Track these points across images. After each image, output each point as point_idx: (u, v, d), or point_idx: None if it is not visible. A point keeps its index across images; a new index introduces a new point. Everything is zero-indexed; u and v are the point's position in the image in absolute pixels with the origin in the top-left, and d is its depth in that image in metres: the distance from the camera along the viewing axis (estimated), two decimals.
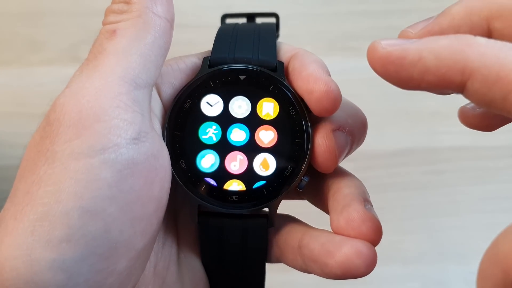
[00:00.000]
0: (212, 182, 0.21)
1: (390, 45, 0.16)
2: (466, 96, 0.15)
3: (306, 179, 0.21)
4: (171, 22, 0.20)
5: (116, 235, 0.18)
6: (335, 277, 0.20)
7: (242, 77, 0.21)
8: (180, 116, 0.21)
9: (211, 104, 0.21)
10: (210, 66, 0.22)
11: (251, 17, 0.26)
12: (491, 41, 0.14)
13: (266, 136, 0.21)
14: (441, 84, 0.15)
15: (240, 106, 0.21)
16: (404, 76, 0.15)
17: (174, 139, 0.21)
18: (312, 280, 0.45)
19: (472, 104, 0.20)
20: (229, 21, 0.26)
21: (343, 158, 0.22)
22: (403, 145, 0.47)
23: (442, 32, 0.17)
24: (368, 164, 0.46)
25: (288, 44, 0.24)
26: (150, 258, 0.22)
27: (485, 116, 0.20)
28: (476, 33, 0.16)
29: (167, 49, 0.20)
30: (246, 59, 0.22)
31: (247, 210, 0.21)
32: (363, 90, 0.46)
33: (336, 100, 0.20)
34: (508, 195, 0.48)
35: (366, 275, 0.20)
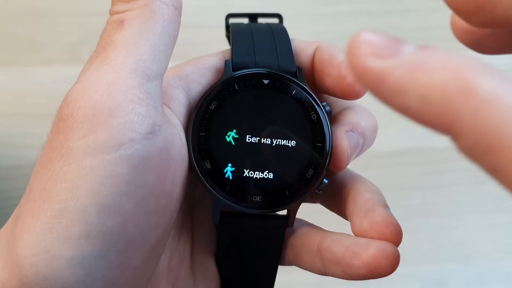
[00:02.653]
0: (236, 183, 0.21)
1: (373, 53, 0.13)
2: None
3: (325, 181, 0.22)
4: (179, 10, 0.20)
5: (132, 230, 0.18)
6: (359, 278, 0.20)
7: (266, 82, 0.22)
8: (206, 117, 0.21)
9: (236, 108, 0.22)
10: (233, 70, 0.22)
11: (254, 17, 0.26)
12: (496, 92, 0.10)
13: (288, 140, 0.22)
14: (423, 125, 0.12)
15: (263, 111, 0.22)
16: (381, 98, 0.13)
17: (200, 139, 0.21)
18: (312, 280, 0.45)
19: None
20: (232, 21, 0.26)
21: (354, 158, 0.23)
22: (403, 145, 0.47)
23: None
24: (368, 164, 0.46)
25: (301, 40, 0.24)
26: (165, 253, 0.22)
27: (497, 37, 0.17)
28: None
29: (175, 37, 0.20)
30: (267, 64, 0.22)
31: (269, 211, 0.22)
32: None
33: None
34: (508, 195, 0.48)
35: (389, 275, 0.20)
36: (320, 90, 0.23)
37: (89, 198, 0.17)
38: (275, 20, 0.26)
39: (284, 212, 0.23)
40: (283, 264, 0.24)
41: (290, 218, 0.22)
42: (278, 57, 0.23)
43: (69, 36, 0.48)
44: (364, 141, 0.22)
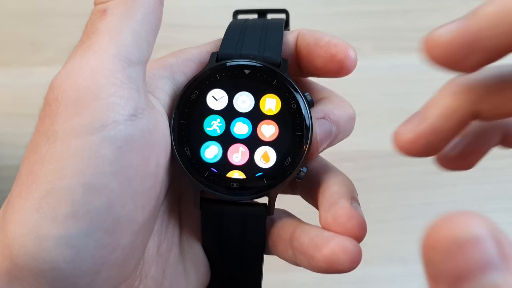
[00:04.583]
0: (215, 170, 0.22)
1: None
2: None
3: (304, 169, 0.22)
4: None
5: (119, 210, 0.18)
6: (320, 271, 0.21)
7: (247, 72, 0.22)
8: (187, 106, 0.22)
9: (216, 98, 0.22)
10: (217, 61, 0.23)
11: (262, 13, 0.26)
12: None
13: (268, 130, 0.22)
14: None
15: (244, 101, 0.22)
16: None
17: (181, 127, 0.22)
18: (312, 280, 0.46)
19: (449, 148, 0.20)
20: (240, 17, 0.27)
21: (327, 146, 0.23)
22: None
23: (479, 32, 0.15)
24: (368, 164, 0.46)
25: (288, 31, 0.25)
26: (154, 238, 0.22)
27: (465, 154, 0.21)
28: (464, 122, 0.17)
29: (158, 26, 0.21)
30: (251, 55, 0.23)
31: (247, 198, 0.22)
32: (363, 90, 0.46)
33: (355, 59, 0.22)
34: (508, 195, 0.48)
35: (349, 271, 0.20)
36: (309, 74, 0.24)
37: (75, 178, 0.17)
38: (281, 16, 0.27)
39: (265, 200, 0.23)
40: (267, 253, 0.24)
41: (269, 205, 0.22)
42: (265, 49, 0.23)
43: (70, 36, 0.48)
44: (339, 129, 0.23)
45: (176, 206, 0.24)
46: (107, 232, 0.18)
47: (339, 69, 0.22)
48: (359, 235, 0.21)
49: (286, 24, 0.26)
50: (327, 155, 0.25)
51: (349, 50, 0.22)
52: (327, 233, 0.21)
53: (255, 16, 0.27)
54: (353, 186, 0.23)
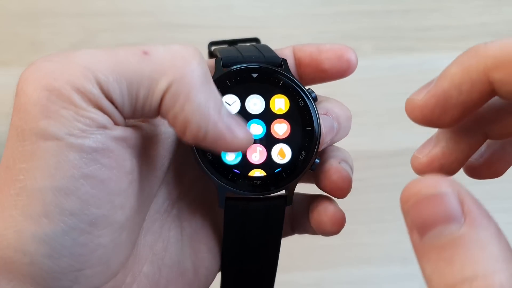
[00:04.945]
0: (237, 171, 0.23)
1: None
2: (500, 93, 0.16)
3: (317, 161, 0.24)
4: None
5: (95, 211, 0.18)
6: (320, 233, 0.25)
7: (255, 75, 0.24)
8: None
9: (229, 103, 0.23)
10: (223, 67, 0.24)
11: (233, 43, 0.28)
12: None
13: (280, 128, 0.24)
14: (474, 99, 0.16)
15: (255, 103, 0.24)
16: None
17: None
18: (312, 280, 0.46)
19: (475, 156, 0.21)
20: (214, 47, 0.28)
21: (330, 141, 0.25)
22: (403, 145, 0.47)
23: (445, 93, 0.17)
24: (368, 164, 0.46)
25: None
26: (147, 237, 0.23)
27: (492, 162, 0.21)
28: (477, 88, 0.17)
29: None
30: (254, 57, 0.24)
31: (269, 193, 0.24)
32: (363, 90, 0.46)
33: (357, 58, 0.24)
34: (508, 195, 0.48)
35: (333, 234, 0.24)
36: (311, 81, 0.25)
37: (45, 180, 0.17)
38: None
39: (283, 192, 0.24)
40: (286, 235, 0.26)
41: (288, 197, 0.24)
42: (263, 53, 0.24)
43: (69, 37, 0.48)
44: (339, 126, 0.24)
45: (174, 208, 0.24)
46: (84, 232, 0.18)
47: (347, 68, 0.24)
48: (342, 187, 0.23)
49: None
50: None
51: (350, 50, 0.24)
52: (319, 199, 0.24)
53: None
54: (348, 154, 0.25)
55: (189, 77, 0.19)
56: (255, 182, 0.23)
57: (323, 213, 0.24)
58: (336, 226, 0.24)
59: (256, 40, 0.28)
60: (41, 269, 0.18)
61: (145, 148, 0.21)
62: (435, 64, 0.49)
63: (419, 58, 0.50)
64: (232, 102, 0.23)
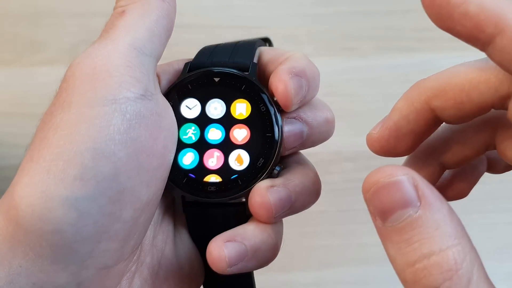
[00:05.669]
0: (193, 176, 0.23)
1: None
2: (491, 53, 0.16)
3: (278, 168, 0.23)
4: (173, 6, 0.23)
5: (124, 180, 0.19)
6: None
7: (216, 79, 0.23)
8: None
9: (189, 107, 0.23)
10: (189, 71, 0.24)
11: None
12: None
13: (240, 134, 0.23)
14: (474, 31, 0.16)
15: (216, 108, 0.23)
16: (445, 14, 0.17)
17: None
18: (312, 280, 0.46)
19: (440, 179, 0.23)
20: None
21: (299, 146, 0.24)
22: None
23: (396, 124, 0.19)
24: (368, 164, 0.46)
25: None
26: (150, 228, 0.23)
27: (454, 184, 0.23)
28: (422, 116, 0.19)
29: (170, 30, 0.23)
30: (222, 62, 0.24)
31: (224, 200, 0.23)
32: (363, 90, 0.46)
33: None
34: (508, 195, 0.48)
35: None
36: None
37: (85, 143, 0.18)
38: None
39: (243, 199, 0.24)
40: None
41: (247, 205, 0.23)
42: (236, 56, 0.24)
43: (70, 36, 0.48)
44: (311, 130, 0.24)
45: (171, 203, 0.25)
46: (111, 200, 0.19)
47: (284, 105, 0.23)
48: (260, 213, 0.22)
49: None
50: (327, 155, 0.25)
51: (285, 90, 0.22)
52: None
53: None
54: (308, 167, 0.24)
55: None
56: (210, 188, 0.23)
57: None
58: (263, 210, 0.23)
59: (266, 40, 0.28)
60: (62, 238, 0.18)
61: (167, 128, 0.22)
62: (435, 64, 0.49)
63: (419, 58, 0.50)
64: (192, 106, 0.23)
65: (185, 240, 0.25)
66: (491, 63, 0.17)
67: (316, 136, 0.24)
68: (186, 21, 0.48)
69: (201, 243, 0.24)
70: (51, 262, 0.19)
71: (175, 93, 0.24)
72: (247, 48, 0.25)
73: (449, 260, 0.15)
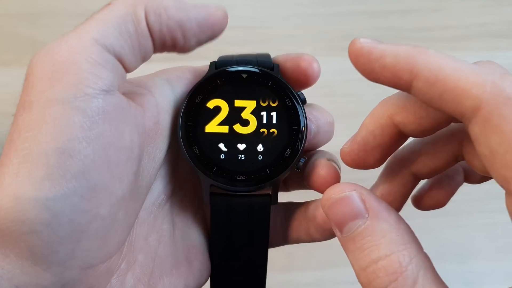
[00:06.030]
0: (223, 165, 0.24)
1: (365, 42, 0.20)
2: (413, 94, 0.18)
3: (302, 160, 0.24)
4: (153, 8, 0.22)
5: (95, 177, 0.19)
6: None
7: (244, 76, 0.24)
8: (193, 109, 0.24)
9: (219, 99, 0.24)
10: (216, 68, 0.25)
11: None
12: (438, 53, 0.18)
13: (268, 126, 0.24)
14: (394, 79, 0.19)
15: (244, 102, 0.24)
16: (368, 68, 0.19)
17: (188, 129, 0.24)
18: (312, 279, 0.46)
19: (419, 189, 0.25)
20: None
21: (307, 143, 0.25)
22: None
23: (363, 139, 0.21)
24: None
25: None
26: (142, 227, 0.23)
27: (432, 194, 0.24)
28: (387, 131, 0.21)
29: (149, 48, 0.22)
30: (247, 61, 0.25)
31: (252, 189, 0.24)
32: (363, 90, 0.46)
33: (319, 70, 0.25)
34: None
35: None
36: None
37: (50, 143, 0.18)
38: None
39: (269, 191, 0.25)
40: (277, 244, 0.26)
41: (272, 195, 0.24)
42: (257, 56, 0.26)
43: None
44: (318, 129, 0.25)
45: (167, 203, 0.25)
46: (84, 198, 0.19)
47: (305, 79, 0.25)
48: (331, 182, 0.23)
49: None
50: None
51: (308, 59, 0.25)
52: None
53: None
54: (334, 155, 0.26)
55: None
56: (239, 177, 0.24)
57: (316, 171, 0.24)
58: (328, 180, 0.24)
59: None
60: (39, 239, 0.18)
61: (144, 132, 0.22)
62: None
63: None
64: (222, 98, 0.24)
65: (185, 239, 0.25)
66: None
67: (322, 136, 0.25)
68: None
69: (222, 234, 0.25)
70: (32, 263, 0.18)
71: (204, 87, 0.24)
72: (265, 55, 0.26)
73: (394, 263, 0.17)
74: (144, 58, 0.22)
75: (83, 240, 0.19)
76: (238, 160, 0.24)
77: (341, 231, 0.19)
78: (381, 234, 0.17)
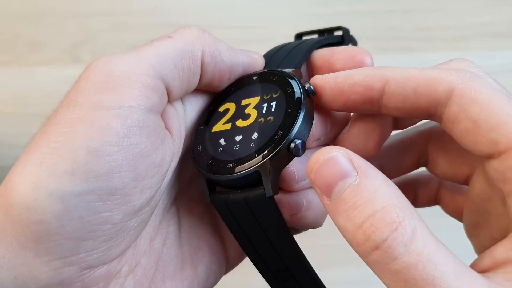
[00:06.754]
0: (216, 157, 0.24)
1: (324, 74, 0.22)
2: (386, 100, 0.20)
3: (297, 141, 0.22)
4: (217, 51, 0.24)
5: (117, 182, 0.19)
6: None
7: (254, 78, 0.25)
8: (205, 115, 0.25)
9: (230, 103, 0.25)
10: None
11: (322, 32, 0.30)
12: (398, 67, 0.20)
13: (266, 115, 0.23)
14: (366, 91, 0.20)
15: (249, 99, 0.25)
16: (337, 92, 0.21)
17: (198, 131, 0.25)
18: None
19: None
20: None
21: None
22: None
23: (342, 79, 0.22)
24: None
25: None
26: (147, 229, 0.23)
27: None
28: (369, 94, 0.21)
29: (194, 72, 0.23)
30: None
31: (241, 174, 0.22)
32: None
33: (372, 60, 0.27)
34: None
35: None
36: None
37: (82, 142, 0.19)
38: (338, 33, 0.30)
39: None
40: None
41: (264, 183, 0.22)
42: (280, 64, 0.26)
43: (70, 36, 0.48)
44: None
45: (174, 205, 0.25)
46: (101, 199, 0.19)
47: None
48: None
49: (343, 40, 0.29)
50: None
51: (365, 52, 0.26)
52: None
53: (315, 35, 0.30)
54: None
55: (213, 39, 0.23)
56: (229, 165, 0.23)
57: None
58: None
59: (341, 28, 0.30)
60: (47, 230, 0.18)
61: (174, 155, 0.23)
62: (435, 64, 0.49)
63: (419, 58, 0.50)
64: (228, 101, 0.25)
65: (191, 242, 0.25)
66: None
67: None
68: (186, 21, 0.48)
69: (238, 232, 0.24)
70: (34, 254, 0.19)
71: (218, 96, 0.25)
72: (295, 54, 0.26)
73: (391, 214, 0.17)
74: (186, 92, 0.23)
75: (89, 239, 0.19)
76: (232, 150, 0.23)
77: (330, 194, 0.18)
78: (373, 189, 0.17)
